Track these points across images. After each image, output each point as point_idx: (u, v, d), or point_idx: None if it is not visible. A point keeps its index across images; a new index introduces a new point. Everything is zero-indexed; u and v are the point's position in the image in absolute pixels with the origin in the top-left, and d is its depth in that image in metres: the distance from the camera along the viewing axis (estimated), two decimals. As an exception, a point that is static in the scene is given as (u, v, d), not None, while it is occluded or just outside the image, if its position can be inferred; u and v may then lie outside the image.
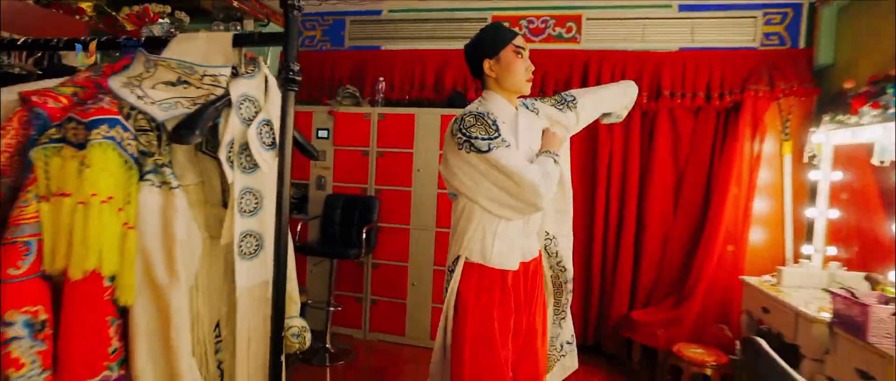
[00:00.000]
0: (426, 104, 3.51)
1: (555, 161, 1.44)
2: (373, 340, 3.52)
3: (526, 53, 1.50)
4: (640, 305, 3.22)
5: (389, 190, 3.47)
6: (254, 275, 1.04)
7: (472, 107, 1.47)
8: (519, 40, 1.50)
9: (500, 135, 1.37)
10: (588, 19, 3.38)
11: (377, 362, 3.20)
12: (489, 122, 1.38)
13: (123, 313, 0.86)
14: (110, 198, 0.83)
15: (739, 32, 3.18)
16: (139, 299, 0.86)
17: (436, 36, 3.62)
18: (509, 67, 1.46)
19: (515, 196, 1.35)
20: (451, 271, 1.48)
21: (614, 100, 1.75)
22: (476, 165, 1.36)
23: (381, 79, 3.57)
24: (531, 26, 3.48)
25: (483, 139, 1.35)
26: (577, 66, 3.32)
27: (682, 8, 3.25)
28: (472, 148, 1.35)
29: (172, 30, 2.86)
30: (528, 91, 1.53)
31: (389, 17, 3.69)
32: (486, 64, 1.49)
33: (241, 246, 1.01)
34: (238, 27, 3.51)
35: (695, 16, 3.23)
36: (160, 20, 2.69)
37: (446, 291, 1.48)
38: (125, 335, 0.86)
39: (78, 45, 1.08)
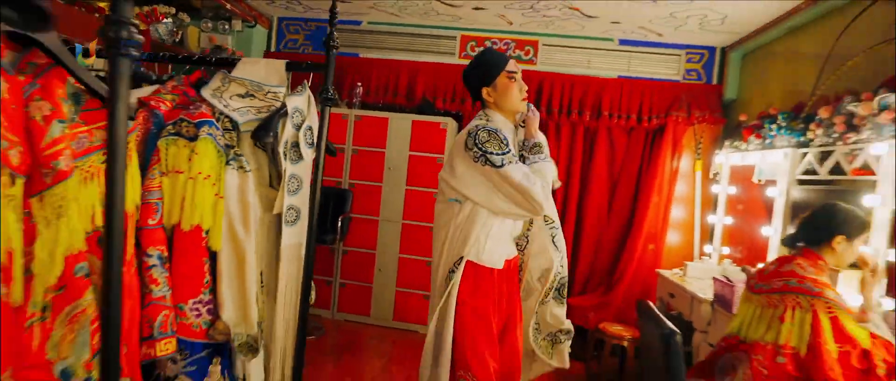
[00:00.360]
0: (398, 110, 3.92)
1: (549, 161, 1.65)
2: (340, 319, 3.89)
3: (518, 75, 1.66)
4: (576, 293, 3.76)
5: (362, 184, 3.86)
6: (292, 237, 1.44)
7: (480, 123, 1.60)
8: (511, 65, 1.65)
9: (510, 150, 1.53)
10: (543, 45, 3.91)
11: (343, 339, 3.57)
12: (501, 138, 1.53)
13: (213, 256, 1.24)
14: (209, 176, 1.21)
15: (667, 67, 3.80)
16: (224, 247, 1.23)
17: (409, 49, 4.04)
18: (505, 92, 1.64)
19: (522, 206, 1.52)
20: (453, 272, 1.59)
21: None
22: (490, 176, 1.50)
23: (359, 84, 3.95)
24: (495, 47, 3.96)
25: (497, 154, 1.49)
26: (533, 84, 3.82)
27: (622, 42, 3.82)
28: (487, 162, 1.49)
29: (174, 29, 3.15)
30: (523, 109, 1.70)
31: (368, 28, 4.07)
32: (484, 91, 1.66)
33: (286, 216, 1.40)
34: (227, 26, 3.79)
35: (632, 50, 3.82)
36: (165, 19, 2.98)
37: (446, 287, 1.60)
38: (214, 271, 1.24)
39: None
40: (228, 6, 3.57)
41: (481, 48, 3.40)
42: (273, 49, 4.20)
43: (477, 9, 3.50)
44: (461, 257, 1.58)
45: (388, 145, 3.84)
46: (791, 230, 1.76)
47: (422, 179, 3.84)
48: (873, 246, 1.83)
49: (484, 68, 1.66)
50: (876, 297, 1.72)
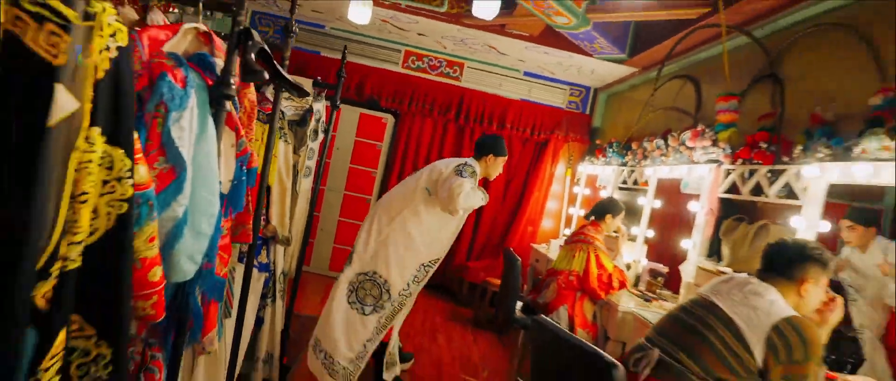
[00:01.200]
0: (349, 103, 4.88)
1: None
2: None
3: (505, 160, 2.58)
4: (474, 258, 4.98)
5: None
6: (307, 184, 2.43)
7: (472, 162, 2.42)
8: (505, 156, 2.57)
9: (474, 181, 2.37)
10: (468, 67, 5.05)
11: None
12: (478, 172, 2.43)
13: (268, 190, 2.20)
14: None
15: (556, 97, 5.11)
16: (275, 186, 2.20)
17: (363, 54, 4.99)
18: (495, 167, 2.55)
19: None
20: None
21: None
22: (463, 187, 2.30)
23: (318, 78, 4.83)
24: (430, 63, 5.05)
25: (469, 177, 2.34)
26: (456, 97, 4.96)
27: (526, 73, 5.07)
28: (465, 177, 2.34)
29: (181, 21, 3.87)
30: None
31: (330, 32, 4.96)
32: (489, 157, 2.51)
33: (304, 172, 2.39)
34: (209, 13, 4.50)
35: (532, 80, 5.08)
36: (173, 9, 3.71)
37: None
38: (269, 198, 2.20)
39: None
40: None
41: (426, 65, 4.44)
42: (245, 37, 4.95)
43: (420, 34, 4.55)
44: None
45: (339, 131, 4.79)
46: (588, 213, 3.05)
47: (363, 160, 4.85)
48: (629, 225, 3.19)
49: (500, 148, 2.56)
50: (631, 254, 3.07)
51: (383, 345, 2.56)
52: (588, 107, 5.14)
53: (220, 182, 1.30)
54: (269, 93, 2.20)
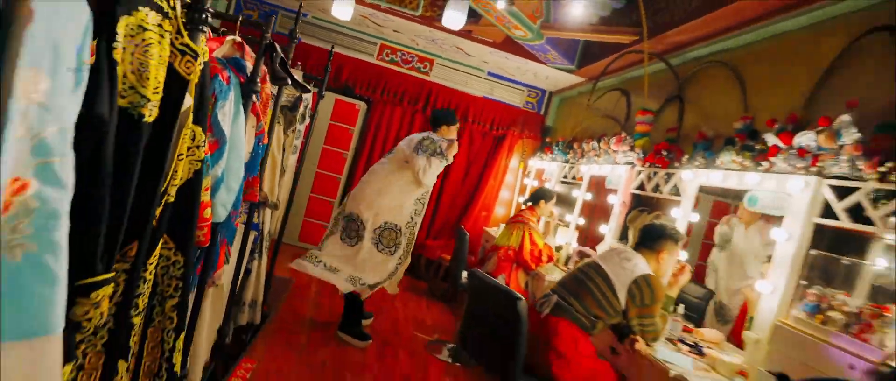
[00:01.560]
0: (327, 89, 5.27)
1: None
2: (258, 235, 5.20)
3: (458, 127, 3.24)
4: (432, 237, 5.52)
5: (291, 138, 5.18)
6: (292, 160, 2.88)
7: (435, 136, 3.02)
8: (457, 123, 3.18)
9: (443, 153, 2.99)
10: (437, 64, 5.54)
11: (261, 248, 4.90)
12: (444, 146, 3.00)
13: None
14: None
15: (515, 96, 5.67)
16: (268, 160, 2.64)
17: (341, 44, 5.40)
18: (450, 134, 3.11)
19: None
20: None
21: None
22: (433, 161, 2.95)
23: (299, 62, 5.22)
24: (403, 57, 5.50)
25: (440, 153, 2.96)
26: (425, 91, 5.45)
27: (489, 73, 5.61)
28: (435, 153, 2.95)
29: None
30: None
31: (311, 21, 5.34)
32: (443, 128, 3.10)
33: (291, 150, 2.84)
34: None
35: (495, 80, 5.62)
36: None
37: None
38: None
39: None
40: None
41: (395, 58, 4.91)
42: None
43: (396, 31, 5.01)
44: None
45: (315, 114, 5.20)
46: (526, 198, 3.64)
47: (337, 142, 5.29)
48: (564, 213, 3.80)
49: (452, 118, 3.17)
50: (564, 238, 3.67)
51: (360, 299, 3.09)
52: (543, 108, 5.73)
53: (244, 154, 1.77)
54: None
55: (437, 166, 3.02)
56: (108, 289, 1.01)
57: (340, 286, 2.98)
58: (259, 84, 1.74)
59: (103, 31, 0.90)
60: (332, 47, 3.23)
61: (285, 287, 3.93)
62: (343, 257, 3.07)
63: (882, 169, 1.62)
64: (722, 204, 2.95)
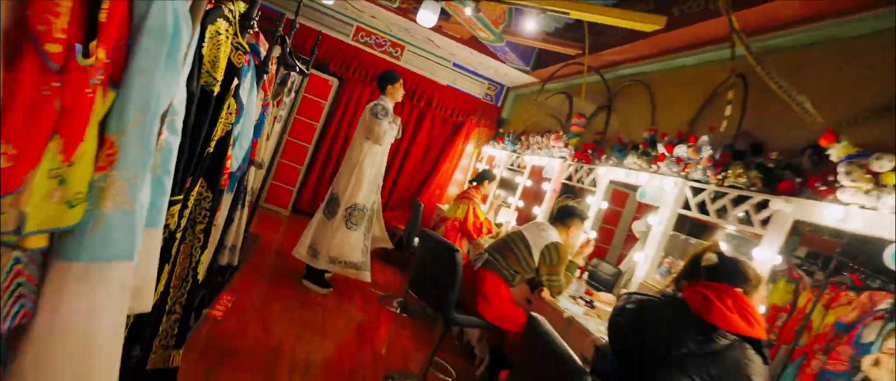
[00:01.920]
0: (302, 62, 5.64)
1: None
2: (227, 193, 5.56)
3: (402, 83, 3.68)
4: (390, 209, 6.05)
5: (265, 105, 5.55)
6: (277, 126, 3.33)
7: (382, 102, 3.47)
8: (400, 80, 3.63)
9: (389, 117, 3.50)
10: (408, 51, 6.01)
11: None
12: (389, 109, 3.53)
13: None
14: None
15: (475, 87, 6.23)
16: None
17: (319, 22, 5.76)
18: (396, 92, 3.53)
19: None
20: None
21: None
22: (381, 126, 3.44)
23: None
24: (377, 40, 5.93)
25: (384, 117, 3.46)
26: (395, 74, 5.91)
27: (455, 65, 6.13)
28: (381, 118, 3.50)
29: None
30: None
31: (293, -3, 5.66)
32: (388, 88, 3.52)
33: (276, 117, 3.29)
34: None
35: (459, 71, 6.15)
36: None
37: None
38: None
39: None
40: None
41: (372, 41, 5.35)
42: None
43: (373, 17, 5.43)
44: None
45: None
46: (472, 178, 4.23)
47: (308, 113, 5.69)
48: (508, 196, 4.43)
49: (392, 78, 3.57)
50: (505, 217, 4.30)
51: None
52: (500, 101, 6.32)
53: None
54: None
55: (392, 133, 3.52)
56: (177, 207, 1.50)
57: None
58: (270, 66, 2.21)
59: (195, 36, 1.38)
60: (319, 36, 3.65)
61: (255, 239, 4.37)
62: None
63: (719, 177, 2.29)
64: (621, 193, 3.64)
